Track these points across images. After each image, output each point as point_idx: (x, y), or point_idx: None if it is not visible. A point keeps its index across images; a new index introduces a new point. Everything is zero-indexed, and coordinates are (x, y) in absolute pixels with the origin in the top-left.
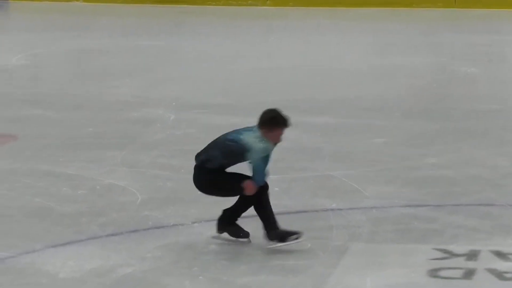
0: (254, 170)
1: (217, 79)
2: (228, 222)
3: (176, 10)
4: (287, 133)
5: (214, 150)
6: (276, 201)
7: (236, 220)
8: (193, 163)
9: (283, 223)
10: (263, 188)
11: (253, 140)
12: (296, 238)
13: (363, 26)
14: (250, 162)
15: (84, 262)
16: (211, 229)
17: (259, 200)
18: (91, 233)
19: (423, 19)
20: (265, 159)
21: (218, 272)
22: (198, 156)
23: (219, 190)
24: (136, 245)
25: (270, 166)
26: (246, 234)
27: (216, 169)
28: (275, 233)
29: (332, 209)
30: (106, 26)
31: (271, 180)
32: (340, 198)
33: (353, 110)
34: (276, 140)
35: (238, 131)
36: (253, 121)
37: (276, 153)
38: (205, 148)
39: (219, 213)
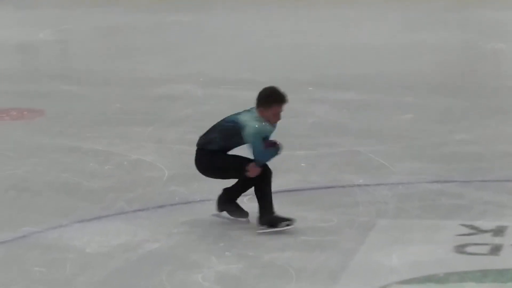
0: (253, 151)
1: (245, 55)
2: (227, 201)
3: None
4: (313, 109)
5: (213, 132)
6: (303, 177)
7: (236, 199)
8: None
9: (310, 198)
10: (266, 172)
11: (248, 119)
12: (287, 225)
13: (391, 3)
14: (248, 144)
15: (111, 238)
16: (240, 203)
17: (259, 183)
18: (118, 209)
19: None
20: (262, 134)
21: (244, 248)
22: (199, 140)
23: (220, 171)
24: (163, 220)
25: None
26: (244, 214)
27: (217, 150)
28: (267, 218)
29: (358, 185)
30: (134, 2)
31: (298, 155)
32: (367, 174)
33: (380, 87)
34: (274, 119)
35: (237, 113)
36: None
37: (303, 129)
38: (205, 132)
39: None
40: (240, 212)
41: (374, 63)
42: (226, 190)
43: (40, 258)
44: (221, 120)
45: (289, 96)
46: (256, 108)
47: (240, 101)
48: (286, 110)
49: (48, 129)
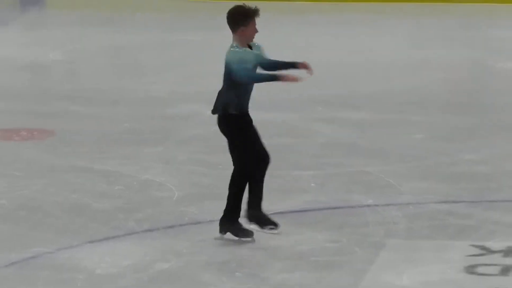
0: (241, 76)
1: None
2: (229, 222)
3: (211, 5)
4: (322, 129)
5: (220, 94)
6: (312, 197)
7: (237, 219)
8: (229, 159)
9: (319, 219)
10: (263, 163)
11: (230, 56)
12: (271, 229)
13: (399, 20)
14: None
15: (121, 258)
16: (248, 225)
17: (254, 175)
18: (128, 229)
19: (460, 13)
20: (247, 56)
21: (255, 269)
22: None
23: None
24: (173, 240)
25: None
26: (248, 234)
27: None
28: (255, 215)
29: (368, 205)
30: (142, 21)
31: (307, 175)
32: (376, 194)
33: (388, 105)
34: (251, 36)
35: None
36: (288, 116)
37: (312, 149)
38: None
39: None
40: (241, 233)
41: (382, 80)
42: (225, 211)
43: (51, 278)
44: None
45: (298, 115)
46: (235, 33)
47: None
48: (295, 129)
49: (58, 149)
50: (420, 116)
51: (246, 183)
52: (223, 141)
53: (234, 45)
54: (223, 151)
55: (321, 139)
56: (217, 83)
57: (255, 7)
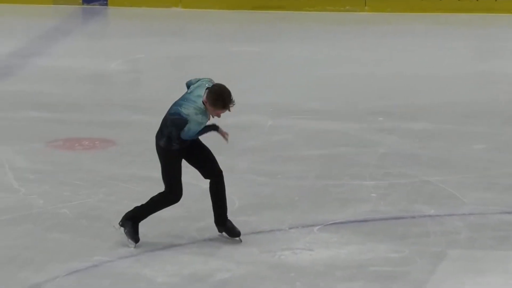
0: (184, 132)
1: (313, 85)
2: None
3: (273, 16)
4: (383, 139)
5: (165, 128)
6: (373, 207)
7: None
8: (289, 168)
9: (379, 229)
10: (217, 177)
11: (193, 112)
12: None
13: (462, 32)
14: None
15: (181, 267)
16: (308, 234)
17: (215, 189)
18: (189, 238)
19: None
20: (200, 126)
21: (315, 278)
22: (158, 138)
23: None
24: (234, 250)
25: None
26: (135, 240)
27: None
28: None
29: (429, 215)
30: (204, 32)
31: (368, 185)
32: (438, 204)
33: (451, 116)
34: (211, 114)
35: (178, 102)
36: (349, 127)
37: (373, 159)
38: (159, 128)
39: (316, 218)
40: (133, 236)
41: (445, 92)
42: (134, 213)
43: (112, 287)
44: (167, 114)
45: (359, 126)
46: (205, 96)
47: (310, 131)
48: (356, 140)
49: (119, 159)
50: (482, 127)
51: (165, 207)
52: (282, 151)
53: (202, 107)
54: (282, 161)
55: (382, 149)
56: (277, 94)
57: (229, 101)
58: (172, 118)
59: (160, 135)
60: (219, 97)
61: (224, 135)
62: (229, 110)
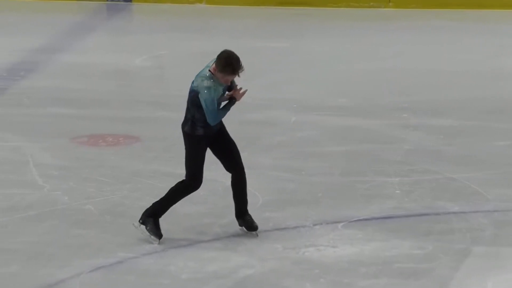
0: (205, 112)
1: (338, 81)
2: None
3: (297, 12)
4: (407, 136)
5: (187, 112)
6: (398, 204)
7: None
8: (313, 164)
9: (404, 225)
10: (238, 173)
11: (200, 80)
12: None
13: (484, 28)
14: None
15: (205, 263)
16: (333, 231)
17: (236, 184)
18: (212, 234)
19: None
20: (216, 97)
21: (339, 275)
22: (183, 125)
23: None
24: (257, 246)
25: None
26: (158, 236)
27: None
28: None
29: (454, 212)
30: (228, 28)
31: (392, 182)
32: (462, 201)
33: (474, 112)
34: (224, 82)
35: (195, 77)
36: (374, 123)
37: (398, 155)
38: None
39: (340, 215)
40: (155, 233)
41: (469, 88)
42: (154, 208)
43: (136, 283)
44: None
45: (384, 122)
46: (213, 65)
47: (334, 127)
48: (381, 136)
49: (143, 155)
50: (506, 123)
51: (185, 196)
52: (306, 147)
53: (209, 67)
54: (306, 157)
55: (407, 145)
56: (302, 90)
57: (237, 67)
58: (188, 97)
59: (184, 121)
60: (228, 63)
61: (239, 93)
62: (239, 76)
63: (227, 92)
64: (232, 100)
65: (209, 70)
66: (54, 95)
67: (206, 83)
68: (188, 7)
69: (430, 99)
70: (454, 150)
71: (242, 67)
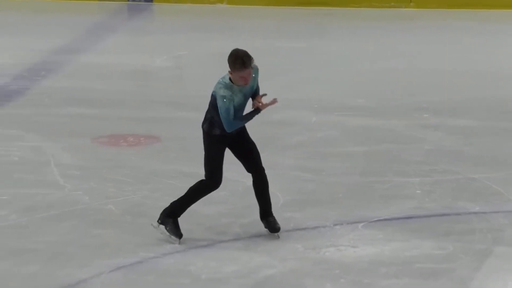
0: (221, 117)
1: (358, 81)
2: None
3: (318, 12)
4: (428, 136)
5: (208, 112)
6: (418, 204)
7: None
8: (334, 165)
9: (424, 226)
10: (259, 174)
11: (218, 87)
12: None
13: (506, 28)
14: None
15: (226, 263)
16: (353, 231)
17: (257, 185)
18: (233, 234)
19: None
20: (232, 106)
21: (359, 275)
22: (202, 124)
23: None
24: (278, 246)
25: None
26: (178, 235)
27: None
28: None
29: (474, 212)
30: (249, 28)
31: (412, 182)
32: (483, 201)
33: (494, 113)
34: (240, 82)
35: (217, 81)
36: (394, 123)
37: (418, 155)
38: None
39: (361, 215)
40: (175, 232)
41: (489, 88)
42: (172, 208)
43: (156, 283)
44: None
45: (404, 122)
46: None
47: (354, 128)
48: (401, 136)
49: (163, 155)
50: None
51: (204, 196)
52: (326, 147)
53: (227, 82)
54: (326, 157)
55: (427, 146)
56: (322, 90)
57: (241, 61)
58: (210, 99)
59: (204, 120)
60: (236, 58)
61: (271, 103)
62: (251, 68)
63: (250, 101)
64: (256, 110)
65: (229, 78)
66: (74, 95)
67: (223, 91)
68: (209, 7)
69: (450, 99)
70: (474, 150)
71: (252, 59)
